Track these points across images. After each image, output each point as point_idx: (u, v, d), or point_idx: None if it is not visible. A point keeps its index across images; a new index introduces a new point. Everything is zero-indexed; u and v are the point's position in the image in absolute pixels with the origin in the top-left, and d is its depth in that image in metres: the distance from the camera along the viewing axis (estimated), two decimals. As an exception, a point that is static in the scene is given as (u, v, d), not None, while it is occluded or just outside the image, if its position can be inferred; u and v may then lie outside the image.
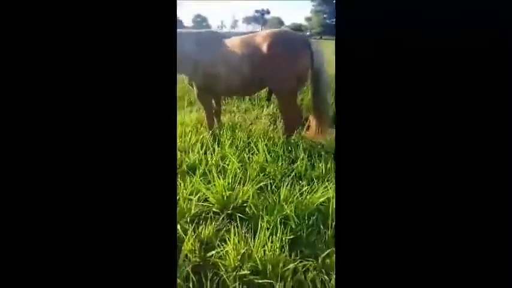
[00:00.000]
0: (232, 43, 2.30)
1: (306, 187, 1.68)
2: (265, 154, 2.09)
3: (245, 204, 1.61)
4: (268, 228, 1.37)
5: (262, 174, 1.90)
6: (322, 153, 2.19)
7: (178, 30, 2.94)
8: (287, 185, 1.65)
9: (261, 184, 1.73)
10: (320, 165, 1.99)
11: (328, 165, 1.98)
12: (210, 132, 2.59)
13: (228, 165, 1.91)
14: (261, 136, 2.48)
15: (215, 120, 2.79)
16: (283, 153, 2.17)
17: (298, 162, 1.99)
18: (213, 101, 2.75)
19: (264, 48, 2.16)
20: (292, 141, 2.37)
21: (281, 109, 2.47)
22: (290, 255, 1.31)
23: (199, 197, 1.68)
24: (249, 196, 1.64)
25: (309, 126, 2.47)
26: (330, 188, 1.65)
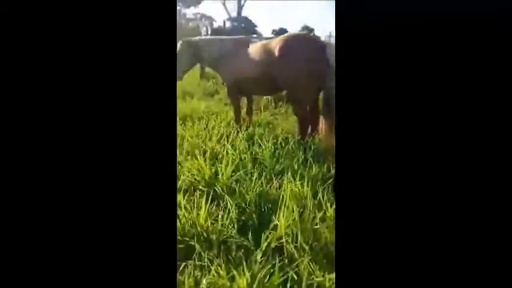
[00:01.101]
0: (255, 47, 2.48)
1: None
2: (268, 149, 2.20)
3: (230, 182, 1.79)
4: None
5: (255, 167, 2.03)
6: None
7: (218, 37, 3.34)
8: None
9: (238, 174, 1.86)
10: (315, 166, 1.97)
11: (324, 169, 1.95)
12: (237, 126, 2.84)
13: (226, 152, 2.13)
14: (280, 134, 2.59)
15: (247, 117, 3.03)
16: (288, 152, 2.23)
17: (293, 161, 2.03)
18: (246, 100, 3.00)
19: (276, 51, 2.24)
20: (303, 142, 2.38)
21: (294, 111, 2.50)
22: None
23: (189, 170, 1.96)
24: (228, 177, 1.81)
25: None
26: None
